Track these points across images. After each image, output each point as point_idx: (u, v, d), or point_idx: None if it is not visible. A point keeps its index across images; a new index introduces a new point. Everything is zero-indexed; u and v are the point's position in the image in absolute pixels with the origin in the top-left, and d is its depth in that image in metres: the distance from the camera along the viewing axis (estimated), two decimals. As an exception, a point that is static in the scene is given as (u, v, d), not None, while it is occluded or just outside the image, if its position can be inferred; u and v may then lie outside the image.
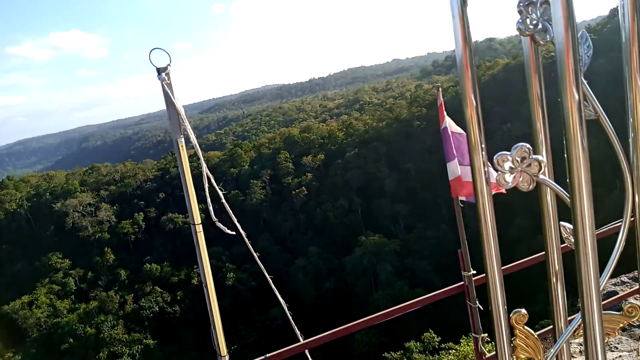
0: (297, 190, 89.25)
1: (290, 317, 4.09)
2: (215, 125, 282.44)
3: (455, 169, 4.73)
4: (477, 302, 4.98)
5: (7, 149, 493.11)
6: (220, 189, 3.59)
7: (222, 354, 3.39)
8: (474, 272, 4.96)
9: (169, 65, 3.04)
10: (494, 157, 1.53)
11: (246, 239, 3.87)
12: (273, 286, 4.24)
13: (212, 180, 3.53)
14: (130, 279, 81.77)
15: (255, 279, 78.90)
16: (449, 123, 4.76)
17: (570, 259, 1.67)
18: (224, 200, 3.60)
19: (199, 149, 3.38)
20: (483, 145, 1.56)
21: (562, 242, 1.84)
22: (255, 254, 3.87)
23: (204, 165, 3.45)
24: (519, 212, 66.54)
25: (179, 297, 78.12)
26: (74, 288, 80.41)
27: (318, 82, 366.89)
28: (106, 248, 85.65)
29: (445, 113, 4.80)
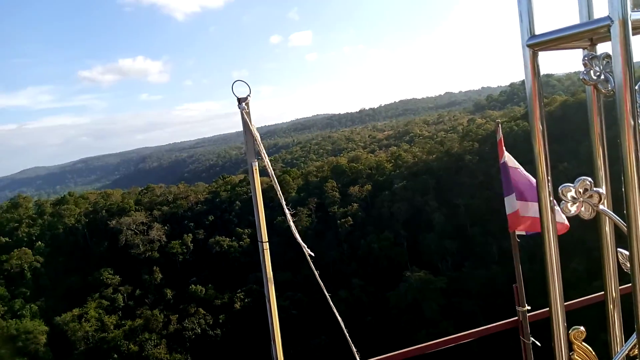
0: (342, 220, 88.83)
1: (348, 336, 4.14)
2: (266, 151, 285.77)
3: (514, 203, 4.71)
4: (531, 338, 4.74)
5: (71, 166, 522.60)
6: (289, 208, 3.88)
7: None
8: (529, 307, 4.83)
9: (248, 95, 3.47)
10: (559, 188, 1.70)
11: (310, 261, 4.03)
12: (332, 304, 4.32)
13: (283, 202, 3.81)
14: (176, 299, 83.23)
15: (296, 308, 78.38)
16: (508, 157, 4.67)
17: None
18: (291, 223, 3.88)
19: (272, 173, 3.73)
20: (549, 179, 1.75)
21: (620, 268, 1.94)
22: (316, 273, 4.05)
23: (278, 188, 3.74)
24: (575, 255, 63.24)
25: (221, 321, 78.60)
26: (122, 304, 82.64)
27: (368, 112, 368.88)
28: (155, 267, 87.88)
29: (504, 148, 4.70)
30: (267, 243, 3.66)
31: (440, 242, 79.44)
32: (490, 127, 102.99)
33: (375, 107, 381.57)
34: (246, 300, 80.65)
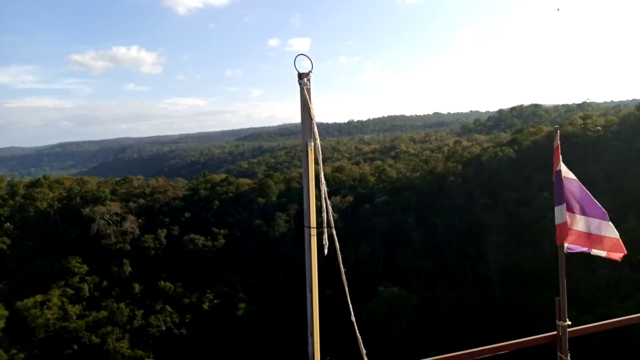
0: (321, 230, 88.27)
1: (360, 340, 3.90)
2: (250, 153, 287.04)
3: (563, 214, 4.66)
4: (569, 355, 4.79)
5: (48, 150, 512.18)
6: (331, 202, 3.56)
7: None
8: (569, 322, 4.77)
9: (310, 72, 3.27)
10: None
11: (339, 256, 3.73)
12: (350, 304, 4.00)
13: (325, 193, 3.57)
14: (143, 294, 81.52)
15: (266, 313, 77.35)
16: (563, 167, 4.47)
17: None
18: (330, 211, 3.59)
19: (320, 156, 3.51)
20: None
21: None
22: (343, 272, 3.72)
23: (322, 173, 3.56)
24: (548, 285, 63.67)
25: (187, 320, 77.13)
26: (87, 295, 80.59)
27: (356, 124, 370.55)
28: (125, 259, 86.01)
29: (560, 157, 4.65)
30: (315, 229, 3.50)
31: (417, 260, 79.45)
32: (475, 150, 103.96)
33: (364, 120, 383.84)
34: (215, 301, 79.33)
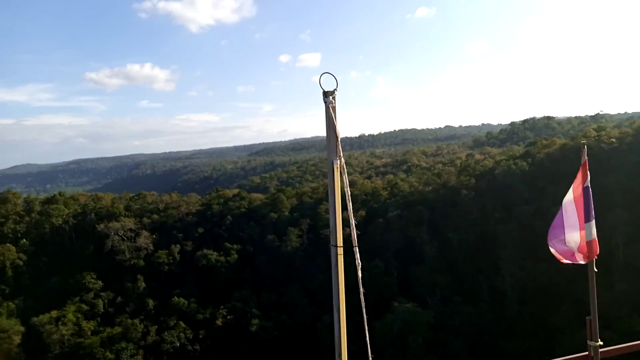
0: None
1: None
2: (262, 168, 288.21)
3: (593, 230, 4.63)
4: None
5: (64, 166, 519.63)
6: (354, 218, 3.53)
7: None
8: (601, 342, 4.68)
9: (335, 90, 3.29)
10: None
11: (359, 269, 3.70)
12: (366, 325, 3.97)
13: (351, 208, 3.55)
14: (157, 309, 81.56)
15: (279, 329, 76.87)
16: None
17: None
18: (353, 228, 3.60)
19: (345, 173, 3.51)
20: None
21: None
22: (362, 293, 3.74)
23: (348, 190, 3.52)
24: (566, 300, 62.54)
25: (201, 336, 76.91)
26: (102, 310, 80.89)
27: (367, 139, 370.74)
28: (139, 275, 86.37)
29: (588, 173, 4.65)
30: (342, 248, 3.48)
31: (431, 275, 78.57)
32: (488, 163, 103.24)
33: (375, 134, 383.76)
34: (228, 317, 79.07)
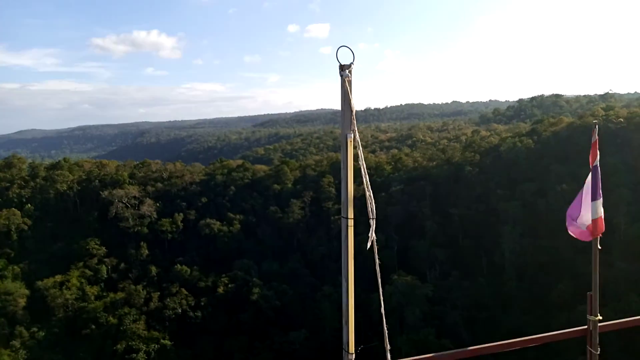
0: (336, 217, 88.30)
1: (386, 334, 3.86)
2: (266, 139, 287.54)
3: (600, 209, 4.71)
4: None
5: (69, 132, 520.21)
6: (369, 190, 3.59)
7: (350, 351, 3.62)
8: (600, 317, 4.81)
9: (352, 63, 3.26)
10: None
11: (374, 245, 3.74)
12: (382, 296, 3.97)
13: (368, 183, 3.55)
14: (160, 276, 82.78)
15: (280, 299, 78.03)
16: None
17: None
18: (372, 200, 3.62)
19: (360, 147, 3.48)
20: None
21: None
22: (377, 264, 3.66)
23: (363, 163, 3.53)
24: (563, 278, 63.01)
25: (202, 303, 78.22)
26: (105, 276, 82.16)
27: (373, 112, 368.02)
28: (142, 242, 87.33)
29: (598, 152, 4.68)
30: (352, 220, 3.54)
31: (431, 249, 79.14)
32: (494, 140, 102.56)
33: (381, 108, 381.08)
34: (230, 285, 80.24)
